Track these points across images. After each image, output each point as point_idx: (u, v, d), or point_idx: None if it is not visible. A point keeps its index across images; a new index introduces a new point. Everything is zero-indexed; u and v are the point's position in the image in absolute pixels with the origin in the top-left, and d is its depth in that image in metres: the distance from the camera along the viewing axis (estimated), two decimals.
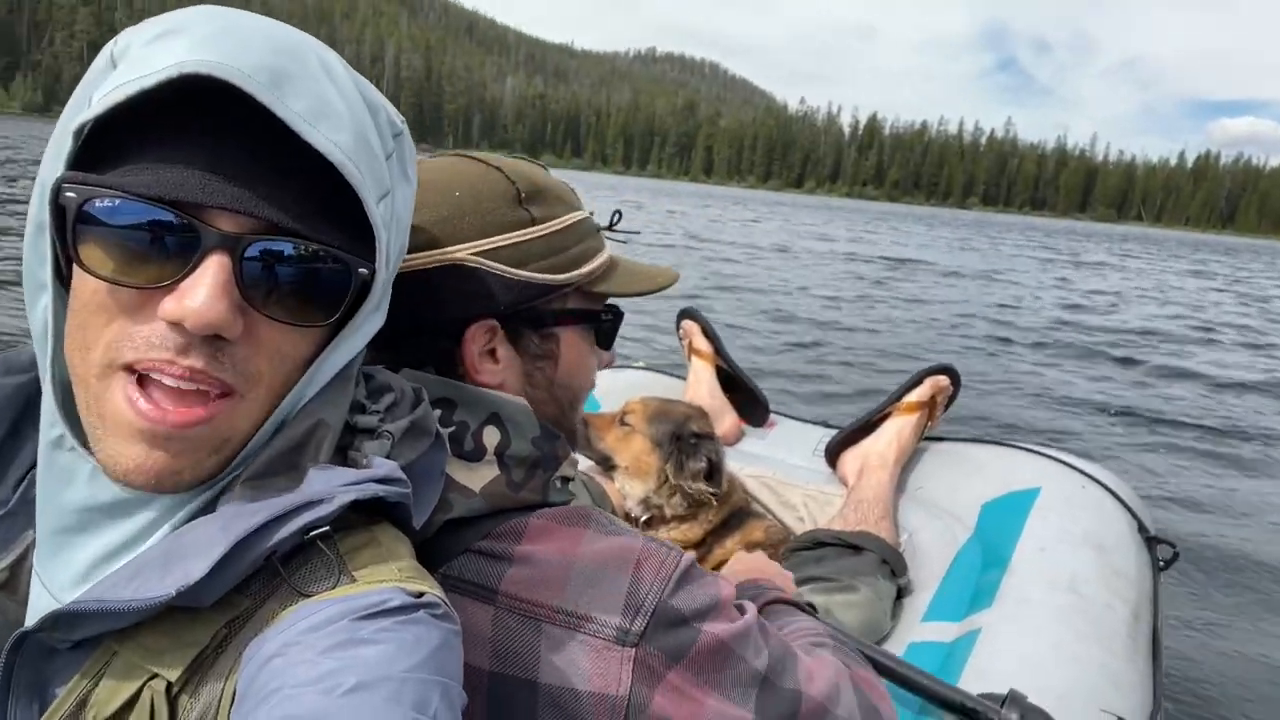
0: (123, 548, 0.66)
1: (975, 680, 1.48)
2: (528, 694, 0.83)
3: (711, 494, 1.97)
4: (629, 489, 2.00)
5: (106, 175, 0.61)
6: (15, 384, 0.74)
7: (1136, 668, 1.58)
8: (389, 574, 0.68)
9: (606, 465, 2.02)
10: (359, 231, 0.67)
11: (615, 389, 2.66)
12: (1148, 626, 1.73)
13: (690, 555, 0.93)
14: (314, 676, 0.55)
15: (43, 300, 0.66)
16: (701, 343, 2.79)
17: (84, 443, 0.66)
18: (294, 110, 0.60)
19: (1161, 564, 1.97)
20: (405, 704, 0.55)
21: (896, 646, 1.72)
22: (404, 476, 0.73)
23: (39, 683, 0.66)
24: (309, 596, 0.64)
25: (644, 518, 2.00)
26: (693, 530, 1.96)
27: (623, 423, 2.00)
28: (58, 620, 0.61)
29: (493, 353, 0.95)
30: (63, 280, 0.65)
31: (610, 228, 1.07)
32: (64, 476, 0.66)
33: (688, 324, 2.86)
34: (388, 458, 0.74)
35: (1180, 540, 2.05)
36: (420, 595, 0.67)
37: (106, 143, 0.62)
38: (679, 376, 2.86)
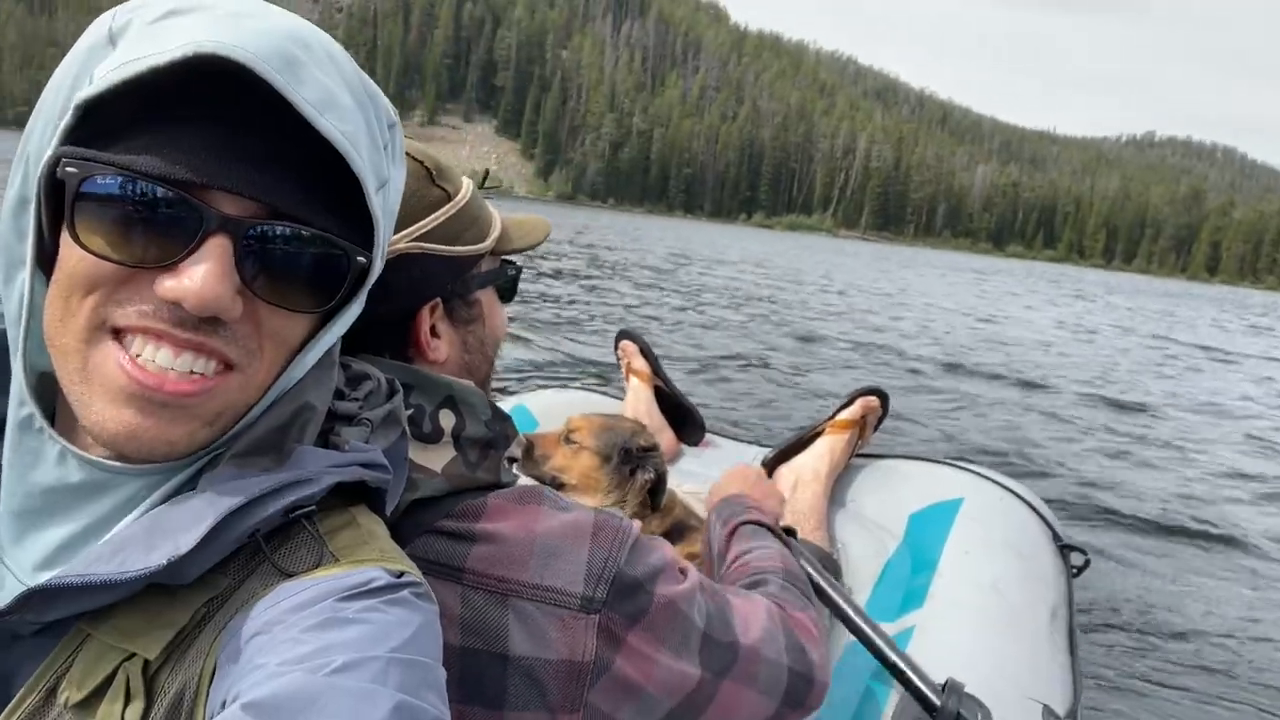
0: (92, 530, 0.65)
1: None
2: (499, 667, 0.86)
3: (653, 507, 2.01)
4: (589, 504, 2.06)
5: (107, 152, 0.60)
6: None
7: (1057, 661, 1.70)
8: (370, 554, 0.68)
9: (554, 485, 1.99)
10: (355, 220, 0.68)
11: (555, 409, 2.67)
12: (1064, 624, 1.86)
13: (637, 523, 1.00)
14: (299, 655, 0.55)
15: (20, 277, 0.65)
16: (639, 363, 2.83)
17: (53, 424, 0.65)
18: (304, 97, 0.60)
19: (1074, 570, 2.10)
20: (390, 684, 0.56)
21: (835, 648, 1.79)
22: (386, 463, 0.74)
23: (4, 671, 0.65)
24: (291, 576, 0.64)
25: None
26: None
27: (569, 440, 1.99)
28: (30, 599, 0.60)
29: (434, 329, 0.99)
30: (43, 258, 0.64)
31: (483, 186, 1.09)
32: (31, 458, 0.65)
33: (626, 344, 2.90)
34: (365, 444, 0.75)
35: (1092, 549, 2.21)
36: (401, 575, 0.67)
37: (100, 119, 0.61)
38: (616, 398, 2.90)
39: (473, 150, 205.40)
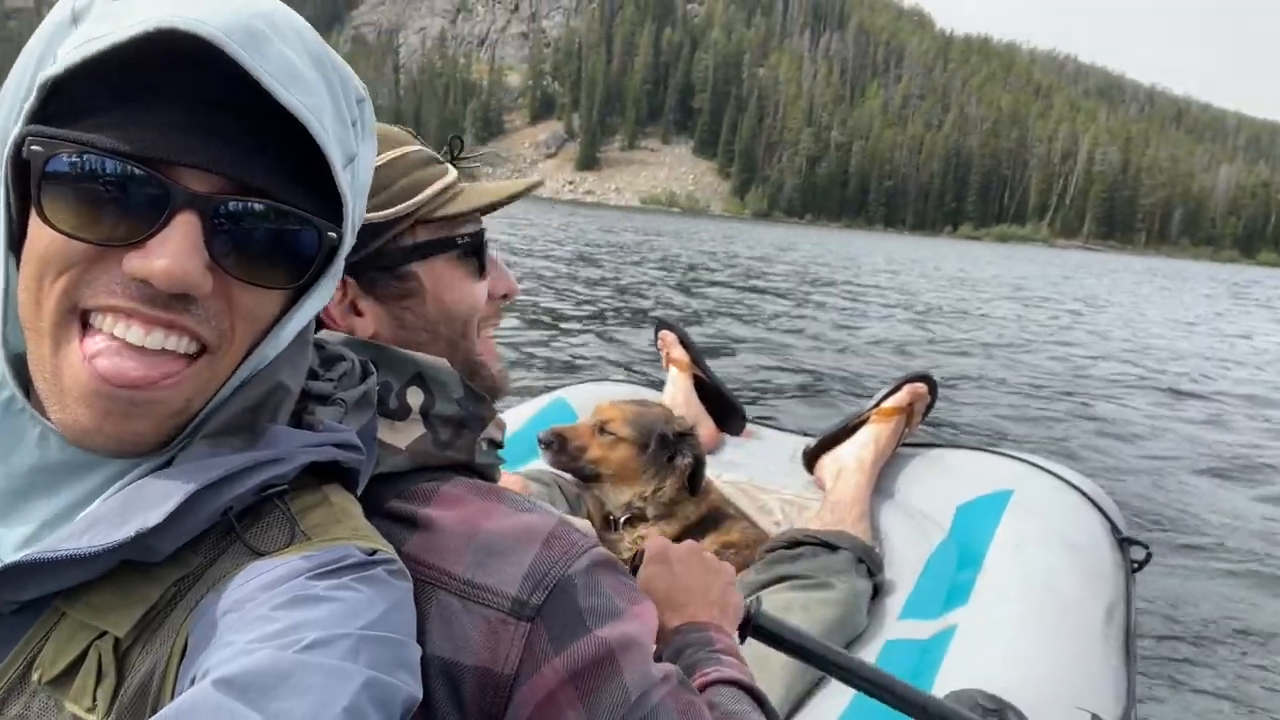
0: (73, 509, 0.64)
1: (952, 677, 1.47)
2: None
3: (692, 491, 1.93)
4: (614, 496, 1.96)
5: (73, 130, 0.60)
6: None
7: (1110, 664, 1.57)
8: (343, 532, 0.68)
9: (591, 478, 1.95)
10: (324, 197, 0.67)
11: (593, 401, 2.60)
12: (1121, 625, 1.73)
13: (607, 552, 0.89)
14: (270, 633, 0.55)
15: None
16: (678, 352, 2.79)
17: (33, 404, 0.65)
18: (266, 70, 0.59)
19: (1135, 565, 1.97)
20: (361, 661, 0.55)
21: (873, 644, 1.72)
22: (359, 443, 0.74)
23: None
24: (263, 554, 0.64)
25: (624, 518, 1.96)
26: (670, 527, 1.93)
27: (604, 432, 1.93)
28: (4, 575, 0.60)
29: (355, 305, 0.95)
30: (13, 241, 0.64)
31: (454, 157, 1.04)
32: (13, 439, 0.65)
33: (665, 334, 2.86)
34: (339, 424, 0.75)
35: (1154, 543, 2.08)
36: (374, 553, 0.67)
37: (64, 98, 0.61)
38: (655, 388, 2.87)
39: (670, 171, 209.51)
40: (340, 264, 0.72)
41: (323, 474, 0.73)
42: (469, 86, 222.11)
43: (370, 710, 0.52)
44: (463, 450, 0.93)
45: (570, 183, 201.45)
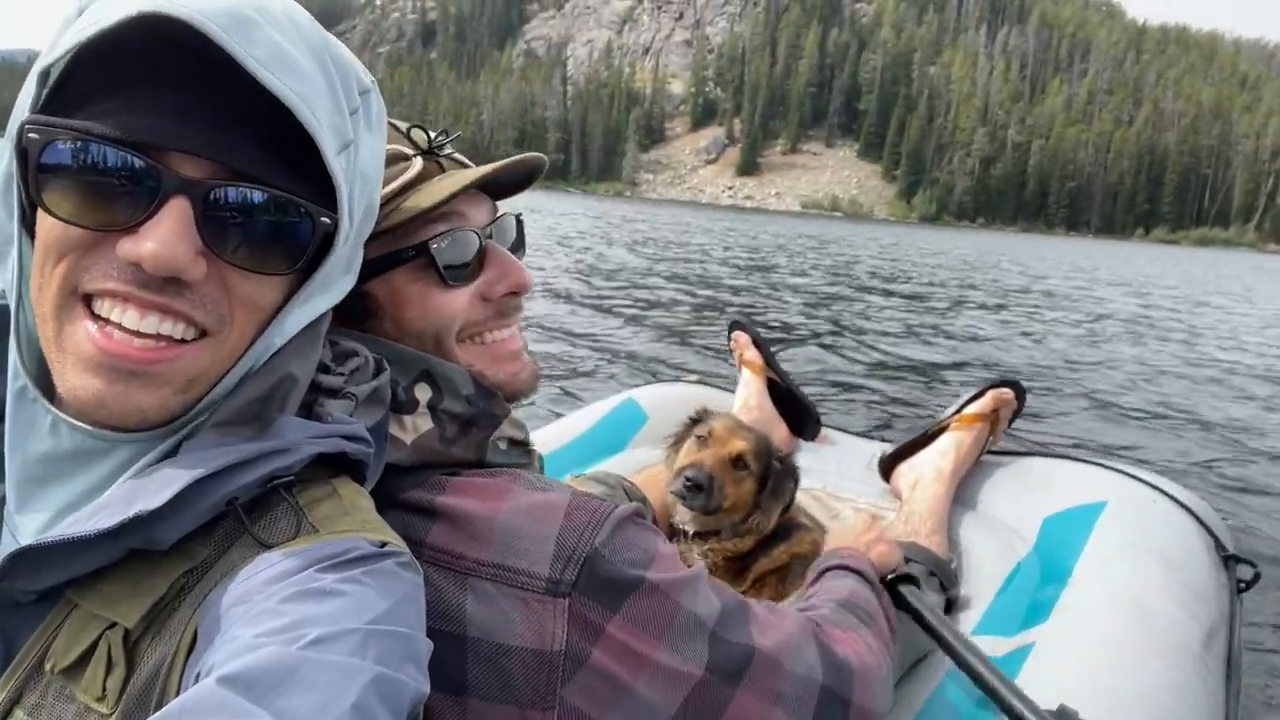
0: (85, 497, 0.65)
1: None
2: (457, 650, 0.80)
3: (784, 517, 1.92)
4: (715, 521, 1.89)
5: (72, 119, 0.60)
6: None
7: (1207, 691, 1.47)
8: (351, 525, 0.68)
9: (714, 512, 1.86)
10: (324, 185, 0.67)
11: (668, 403, 2.63)
12: (1222, 650, 1.61)
13: (629, 506, 0.90)
14: (276, 627, 0.55)
15: (10, 253, 0.66)
16: (751, 354, 2.70)
17: (46, 394, 0.66)
18: (252, 55, 0.59)
19: (1241, 584, 1.82)
20: (369, 656, 0.55)
21: (942, 660, 1.64)
22: (369, 437, 0.74)
23: (4, 637, 0.66)
24: (270, 547, 0.64)
25: (694, 531, 1.93)
26: (744, 542, 1.90)
27: (738, 465, 1.89)
28: (17, 561, 0.60)
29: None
30: (29, 231, 0.65)
31: (431, 151, 0.96)
32: (27, 427, 0.66)
33: (738, 335, 2.77)
34: (350, 417, 0.75)
35: (1266, 562, 1.94)
36: (384, 545, 0.66)
37: (74, 88, 0.63)
38: (728, 390, 2.79)
39: (833, 175, 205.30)
40: (342, 253, 0.71)
41: (333, 467, 0.73)
42: (633, 95, 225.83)
43: (378, 706, 0.52)
44: (470, 449, 0.91)
45: (730, 188, 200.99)
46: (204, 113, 0.62)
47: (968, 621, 1.80)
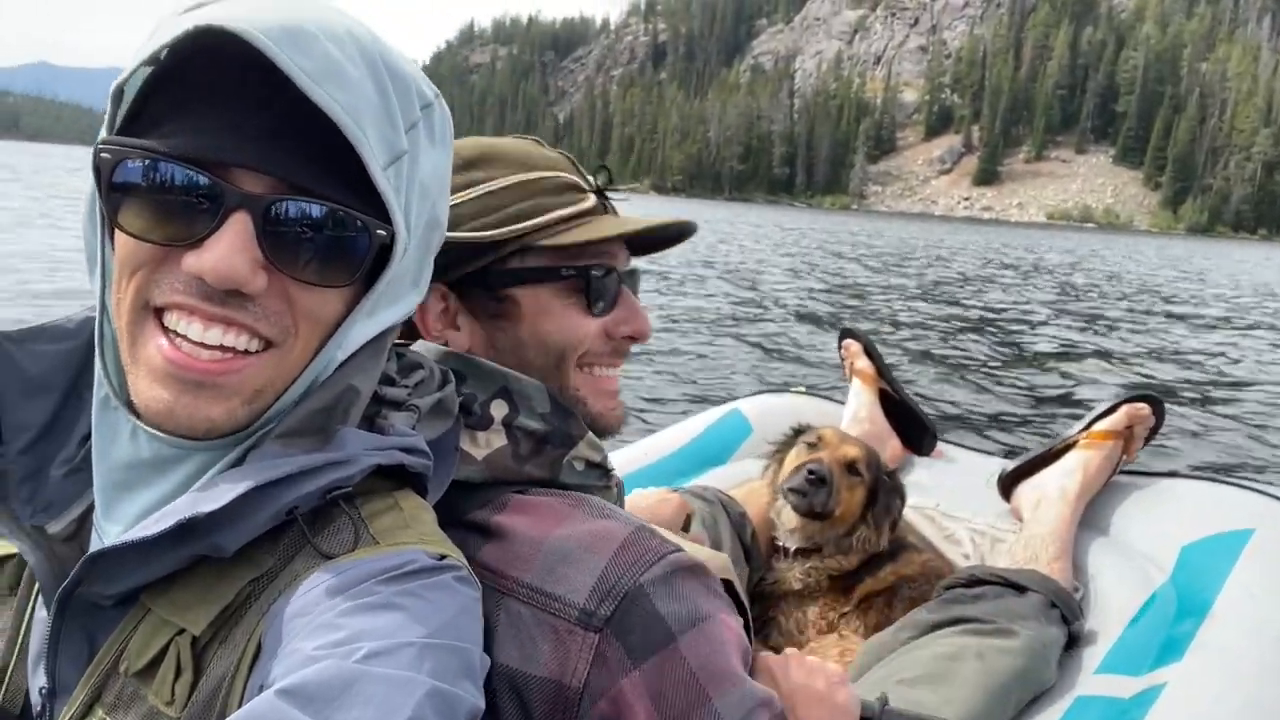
0: (163, 503, 0.66)
1: None
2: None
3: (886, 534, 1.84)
4: (821, 533, 1.85)
5: (143, 138, 0.64)
6: (66, 349, 0.78)
7: None
8: (410, 537, 0.69)
9: (823, 516, 1.84)
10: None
11: (773, 414, 2.55)
12: None
13: (691, 557, 0.84)
14: (334, 640, 0.56)
15: (96, 267, 0.69)
16: (863, 363, 2.59)
17: (127, 403, 0.68)
18: (301, 67, 0.60)
19: None
20: (425, 670, 0.55)
21: (1061, 700, 1.54)
22: (427, 449, 0.75)
23: (87, 638, 0.68)
24: (331, 558, 0.65)
25: (796, 548, 1.88)
26: (848, 560, 1.84)
27: (852, 471, 1.85)
28: (94, 565, 0.63)
29: (453, 320, 0.96)
30: (114, 245, 0.68)
31: (600, 186, 1.03)
32: (111, 435, 0.69)
33: (849, 343, 2.66)
34: (412, 430, 0.76)
35: None
36: (443, 558, 0.67)
37: (151, 109, 0.66)
38: (838, 401, 2.69)
39: (1085, 183, 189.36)
40: (404, 267, 0.73)
41: (395, 479, 0.74)
42: (862, 105, 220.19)
43: None
44: (544, 467, 0.91)
45: (966, 199, 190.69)
46: (264, 127, 0.64)
47: (1093, 658, 1.66)
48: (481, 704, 0.58)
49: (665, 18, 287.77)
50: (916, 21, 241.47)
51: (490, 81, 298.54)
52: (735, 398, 2.84)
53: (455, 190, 0.93)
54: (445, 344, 0.95)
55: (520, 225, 0.94)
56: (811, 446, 1.88)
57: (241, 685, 0.61)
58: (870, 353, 2.60)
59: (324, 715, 0.50)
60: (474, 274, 0.95)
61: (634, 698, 0.75)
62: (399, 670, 0.54)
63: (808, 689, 1.01)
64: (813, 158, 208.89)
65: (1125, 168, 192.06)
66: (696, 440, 2.52)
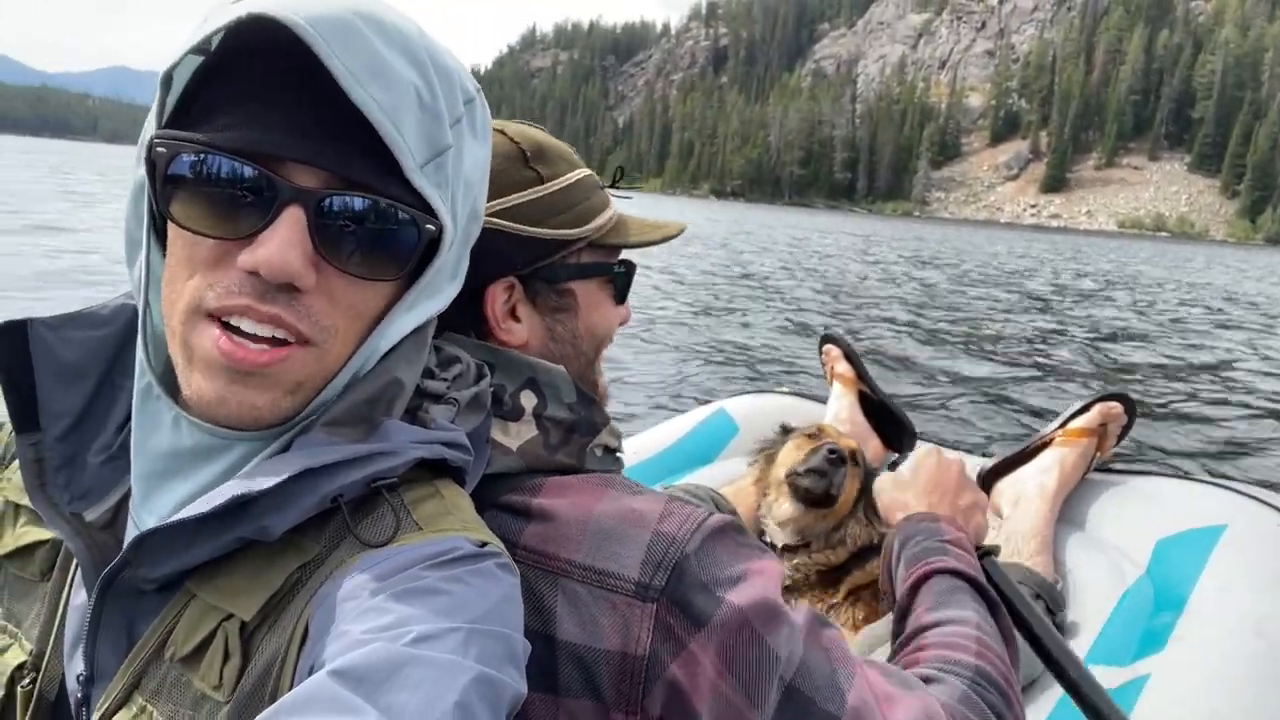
0: (201, 493, 0.67)
1: None
2: (546, 648, 0.81)
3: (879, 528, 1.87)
4: (815, 525, 1.86)
5: (196, 132, 0.64)
6: (101, 336, 0.78)
7: None
8: (453, 524, 0.70)
9: (825, 504, 1.84)
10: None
11: (756, 413, 2.60)
12: None
13: (725, 516, 0.89)
14: (382, 625, 0.57)
15: (139, 257, 0.70)
16: (843, 367, 2.66)
17: (169, 392, 0.69)
18: (345, 65, 0.60)
19: None
20: (471, 655, 0.56)
21: (1049, 691, 1.59)
22: (468, 444, 0.76)
23: (126, 624, 0.68)
24: (372, 546, 0.66)
25: (785, 544, 1.89)
26: (836, 554, 1.86)
27: (855, 462, 1.87)
28: (140, 547, 0.64)
29: (514, 311, 0.98)
30: (159, 237, 0.69)
31: (615, 185, 1.09)
32: (152, 423, 0.69)
33: (830, 348, 2.74)
34: (451, 423, 0.77)
35: None
36: (484, 545, 0.68)
37: (201, 101, 0.66)
38: (821, 401, 2.74)
39: (1158, 191, 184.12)
40: (447, 259, 0.74)
41: (434, 469, 0.75)
42: (926, 110, 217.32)
43: (478, 706, 0.53)
44: (572, 455, 0.94)
45: (1032, 206, 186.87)
46: (317, 122, 0.64)
47: (1077, 649, 1.70)
48: (524, 690, 0.60)
49: (726, 22, 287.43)
50: (983, 25, 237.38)
51: (551, 86, 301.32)
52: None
53: (525, 185, 0.96)
54: (508, 334, 0.97)
55: (593, 225, 1.00)
56: (811, 437, 1.93)
57: (292, 668, 0.62)
58: (850, 357, 2.67)
59: (373, 697, 0.51)
60: (541, 268, 0.98)
61: (703, 655, 0.80)
62: (446, 654, 0.55)
63: (950, 474, 1.21)
64: (875, 163, 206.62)
65: (1201, 175, 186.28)
66: (683, 440, 2.56)
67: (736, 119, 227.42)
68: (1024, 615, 1.17)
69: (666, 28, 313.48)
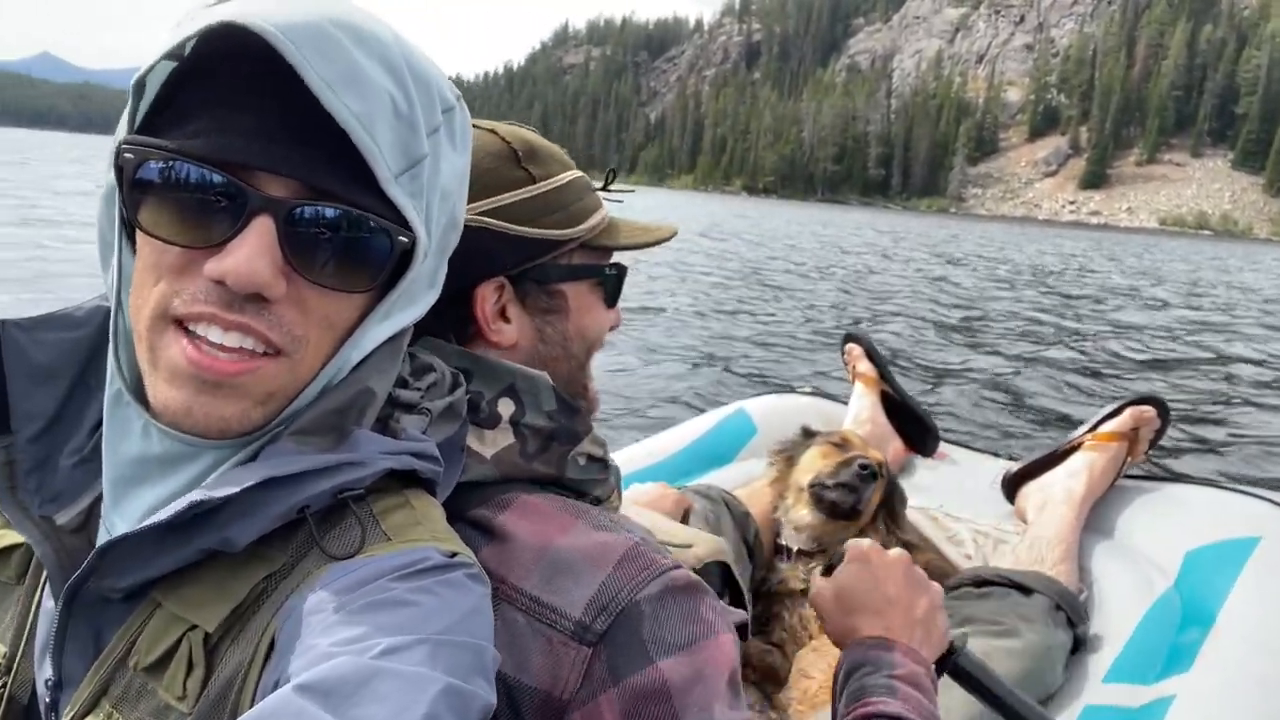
0: (170, 499, 0.66)
1: None
2: None
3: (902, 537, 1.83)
4: (834, 532, 1.83)
5: (165, 138, 0.63)
6: (75, 338, 0.77)
7: None
8: (422, 534, 0.69)
9: (850, 516, 1.82)
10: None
11: (779, 415, 2.58)
12: None
13: (687, 575, 0.83)
14: (350, 637, 0.56)
15: (112, 260, 0.69)
16: (865, 366, 2.61)
17: (139, 398, 0.68)
18: (319, 73, 0.60)
19: None
20: (439, 667, 0.55)
21: (1069, 707, 1.53)
22: (439, 455, 0.75)
23: (93, 632, 0.68)
24: (337, 558, 0.65)
25: (799, 549, 1.85)
26: None
27: (880, 475, 1.84)
28: (104, 556, 0.63)
29: (503, 312, 0.96)
30: (131, 240, 0.68)
31: (605, 187, 1.08)
32: (122, 429, 0.68)
33: (851, 347, 2.69)
34: (424, 434, 0.76)
35: None
36: (454, 555, 0.68)
37: (174, 107, 0.65)
38: (842, 402, 2.72)
39: (1200, 188, 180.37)
40: (423, 269, 0.73)
41: (405, 479, 0.74)
42: (963, 105, 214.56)
43: (447, 717, 0.53)
44: (551, 463, 0.92)
45: (1071, 203, 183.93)
46: (288, 130, 0.63)
47: (1099, 664, 1.65)
48: (494, 700, 0.59)
49: (760, 17, 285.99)
50: (1022, 19, 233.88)
51: (583, 82, 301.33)
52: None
53: (516, 185, 0.94)
54: (498, 335, 0.95)
55: (585, 226, 0.98)
56: (838, 446, 1.89)
57: (255, 682, 0.61)
58: (872, 355, 2.62)
59: (341, 711, 0.50)
60: (531, 269, 0.96)
61: (607, 713, 0.76)
62: (414, 667, 0.54)
63: (895, 577, 1.09)
64: (910, 159, 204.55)
65: (1245, 173, 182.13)
66: (701, 440, 2.54)
67: (769, 115, 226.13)
68: (1010, 704, 1.13)
69: (699, 23, 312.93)
